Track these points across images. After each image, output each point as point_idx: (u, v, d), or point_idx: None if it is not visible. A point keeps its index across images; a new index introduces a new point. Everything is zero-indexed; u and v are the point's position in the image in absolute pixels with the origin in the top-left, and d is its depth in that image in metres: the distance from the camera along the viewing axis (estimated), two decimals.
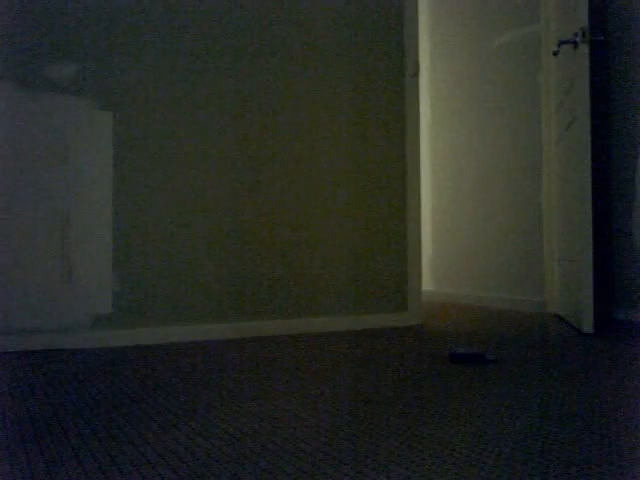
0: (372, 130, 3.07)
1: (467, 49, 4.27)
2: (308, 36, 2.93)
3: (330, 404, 1.47)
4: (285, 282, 2.84)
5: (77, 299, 2.45)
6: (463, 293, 4.30)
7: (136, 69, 2.58)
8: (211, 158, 2.71)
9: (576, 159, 2.75)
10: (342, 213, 2.98)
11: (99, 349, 2.40)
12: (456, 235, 4.39)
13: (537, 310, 3.65)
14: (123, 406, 1.48)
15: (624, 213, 3.23)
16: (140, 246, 2.56)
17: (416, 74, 3.17)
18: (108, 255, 2.51)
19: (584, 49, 2.68)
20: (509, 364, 1.99)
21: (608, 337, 2.57)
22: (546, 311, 3.60)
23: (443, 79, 4.52)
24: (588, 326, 2.61)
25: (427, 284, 4.71)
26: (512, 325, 3.02)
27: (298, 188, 2.89)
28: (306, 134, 2.91)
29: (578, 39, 2.69)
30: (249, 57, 2.81)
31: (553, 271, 3.55)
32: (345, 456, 1.10)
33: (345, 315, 2.97)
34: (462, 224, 4.32)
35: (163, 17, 2.64)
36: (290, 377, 1.81)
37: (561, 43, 2.87)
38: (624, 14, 3.24)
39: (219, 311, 2.70)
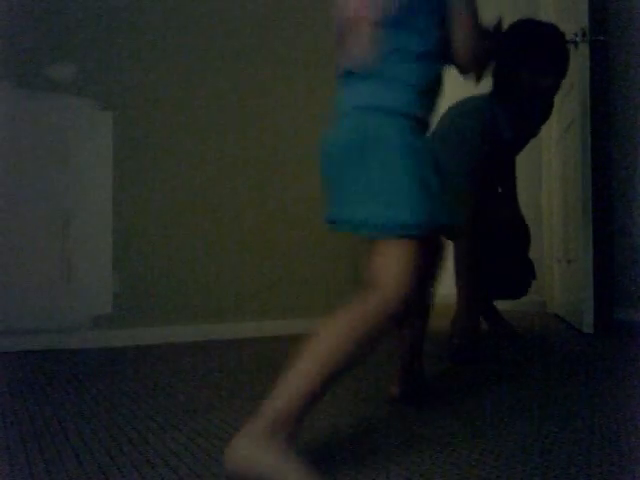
0: None
1: None
2: (308, 36, 2.93)
3: (330, 404, 1.47)
4: (285, 282, 2.84)
5: (77, 299, 2.45)
6: None
7: (136, 69, 2.58)
8: (211, 158, 2.71)
9: (576, 159, 2.75)
10: None
11: (99, 349, 2.40)
12: None
13: (537, 310, 3.65)
14: (123, 406, 1.48)
15: (624, 213, 3.23)
16: (140, 246, 2.56)
17: None
18: (108, 255, 2.51)
19: (584, 49, 2.67)
20: (509, 364, 1.99)
21: (608, 337, 2.57)
22: (546, 311, 3.59)
23: None
24: (588, 326, 2.61)
25: None
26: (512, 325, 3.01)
27: (298, 188, 2.88)
28: (306, 134, 2.91)
29: (578, 39, 2.68)
30: (249, 57, 2.80)
31: (553, 271, 3.55)
32: (345, 456, 1.10)
33: None
34: None
35: (163, 17, 2.63)
36: None
37: None
38: (624, 14, 3.23)
39: (219, 311, 2.69)
